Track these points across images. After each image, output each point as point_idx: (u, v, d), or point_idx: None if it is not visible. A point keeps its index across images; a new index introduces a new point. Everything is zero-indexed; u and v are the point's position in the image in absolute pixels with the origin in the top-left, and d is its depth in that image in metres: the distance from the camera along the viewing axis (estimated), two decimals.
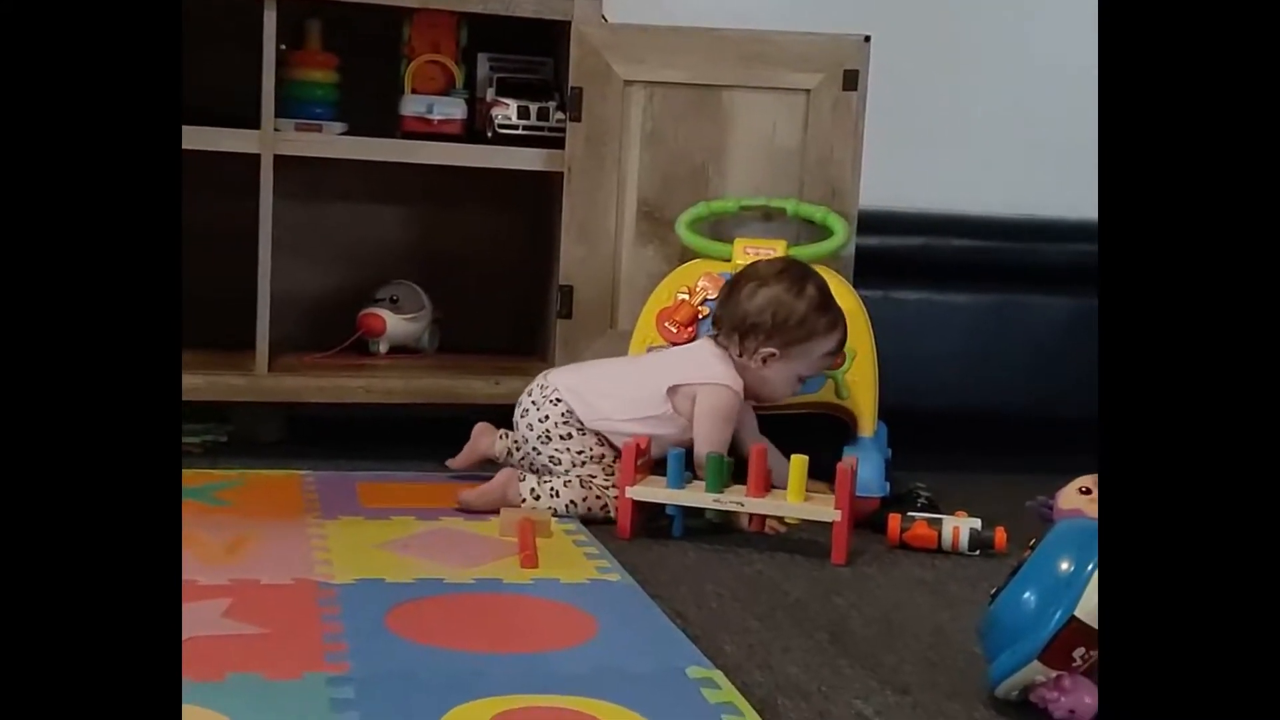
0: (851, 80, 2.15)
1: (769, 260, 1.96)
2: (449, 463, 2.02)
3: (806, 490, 1.76)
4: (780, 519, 1.81)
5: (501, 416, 2.21)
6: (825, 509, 1.73)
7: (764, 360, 1.87)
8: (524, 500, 1.86)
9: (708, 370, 1.88)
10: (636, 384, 1.92)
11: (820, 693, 1.28)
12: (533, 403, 1.95)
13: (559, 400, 1.92)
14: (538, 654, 1.33)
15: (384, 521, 1.79)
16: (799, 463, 1.75)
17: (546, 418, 1.93)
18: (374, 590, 1.49)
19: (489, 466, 1.98)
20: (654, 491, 1.80)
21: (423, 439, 2.29)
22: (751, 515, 1.81)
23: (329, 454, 2.12)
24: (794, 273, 1.90)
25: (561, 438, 1.91)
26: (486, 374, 2.23)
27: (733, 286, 1.91)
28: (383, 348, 2.37)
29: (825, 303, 1.89)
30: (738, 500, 1.77)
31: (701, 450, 1.83)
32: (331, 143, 2.19)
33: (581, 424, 1.91)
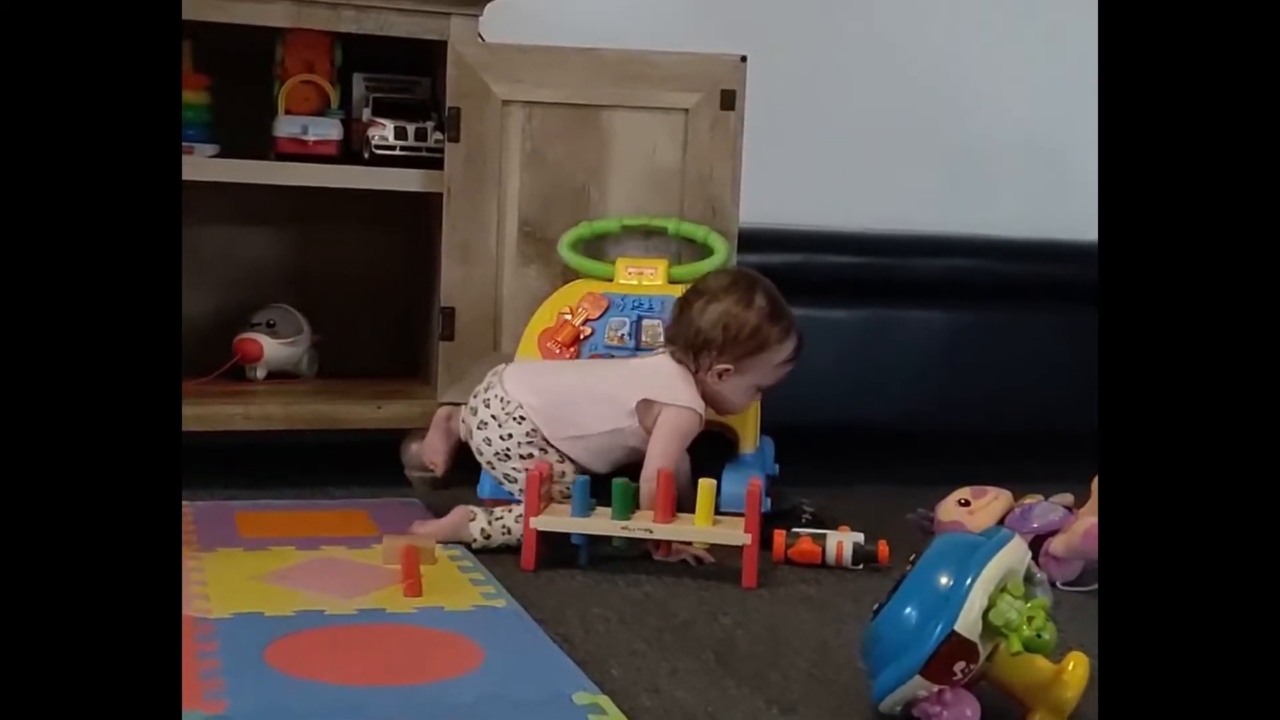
0: (729, 100, 2.17)
1: (717, 274, 1.96)
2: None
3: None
4: (686, 544, 1.79)
5: (383, 441, 2.18)
6: (735, 533, 1.72)
7: (719, 375, 1.87)
8: (474, 541, 1.81)
9: (675, 391, 1.86)
10: (603, 399, 1.86)
11: (707, 714, 1.28)
12: (492, 417, 1.86)
13: (523, 419, 1.86)
14: (422, 684, 1.31)
15: (263, 552, 1.75)
16: (706, 487, 1.73)
17: (509, 435, 1.85)
18: (252, 624, 1.46)
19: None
20: (559, 521, 1.75)
21: (303, 466, 2.25)
22: (660, 542, 1.78)
23: (206, 483, 2.06)
24: (743, 284, 1.89)
25: (521, 457, 1.85)
26: (368, 398, 2.20)
27: (684, 303, 1.91)
28: (260, 373, 2.33)
29: (776, 311, 1.89)
30: (645, 526, 1.73)
31: (652, 468, 1.80)
32: (203, 165, 2.14)
33: (545, 444, 1.86)
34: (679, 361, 1.89)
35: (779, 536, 1.84)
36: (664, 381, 1.87)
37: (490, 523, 1.83)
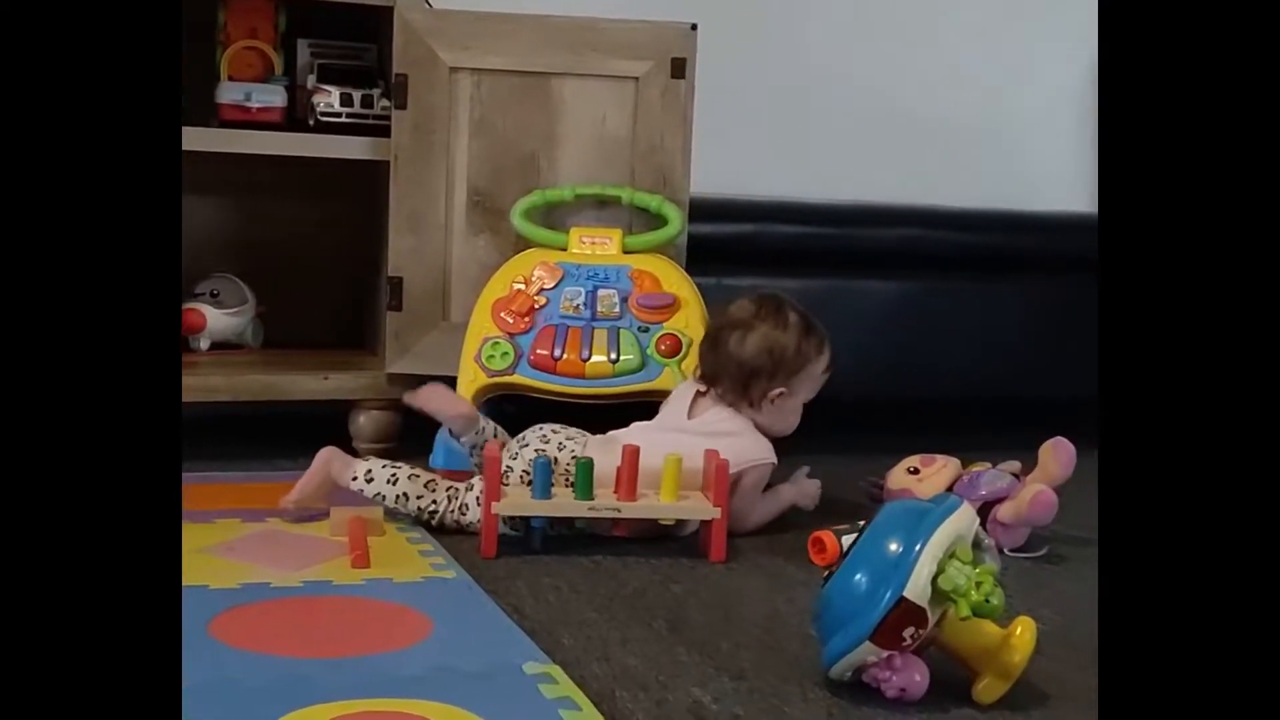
0: (679, 68, 2.15)
1: (738, 303, 1.90)
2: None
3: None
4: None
5: (330, 413, 2.16)
6: (704, 507, 1.70)
7: (773, 400, 1.85)
8: (355, 479, 1.76)
9: (750, 449, 1.82)
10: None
11: (658, 682, 1.28)
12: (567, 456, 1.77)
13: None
14: (370, 656, 1.30)
15: (208, 525, 1.72)
16: (672, 462, 1.70)
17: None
18: (197, 597, 1.43)
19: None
20: (523, 504, 1.69)
21: (248, 438, 2.23)
22: (619, 520, 1.72)
23: None
24: (770, 306, 1.88)
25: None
26: (314, 369, 2.17)
27: (715, 340, 1.87)
28: (204, 344, 2.29)
29: (808, 325, 1.88)
30: (613, 506, 1.69)
31: (748, 525, 1.81)
32: None
33: None
34: (731, 404, 1.85)
35: (830, 539, 1.70)
36: (739, 445, 1.81)
37: (382, 467, 1.78)
